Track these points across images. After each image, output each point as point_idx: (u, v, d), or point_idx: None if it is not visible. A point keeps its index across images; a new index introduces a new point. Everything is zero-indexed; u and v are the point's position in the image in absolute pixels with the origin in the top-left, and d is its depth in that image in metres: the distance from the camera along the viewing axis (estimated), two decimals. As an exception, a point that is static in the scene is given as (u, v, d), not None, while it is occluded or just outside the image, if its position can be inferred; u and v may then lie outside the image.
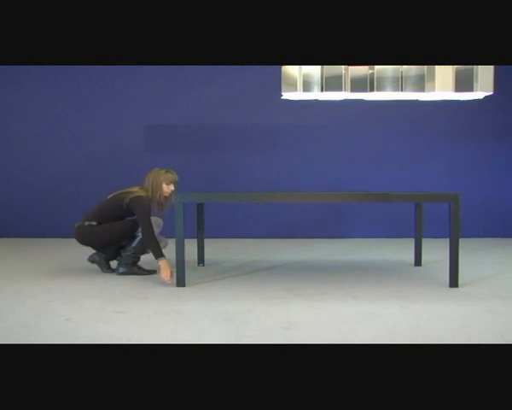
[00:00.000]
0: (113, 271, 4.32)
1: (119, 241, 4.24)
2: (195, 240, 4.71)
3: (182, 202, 3.82)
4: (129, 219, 4.26)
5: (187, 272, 4.02)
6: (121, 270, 4.24)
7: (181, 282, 3.84)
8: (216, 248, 5.59)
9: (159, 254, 3.97)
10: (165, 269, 3.88)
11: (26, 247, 5.88)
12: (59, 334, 2.75)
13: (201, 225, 4.72)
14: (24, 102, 6.61)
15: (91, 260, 4.37)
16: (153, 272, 4.30)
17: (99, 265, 4.35)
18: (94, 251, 4.38)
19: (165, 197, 4.25)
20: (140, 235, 4.19)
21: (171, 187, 4.25)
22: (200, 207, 4.70)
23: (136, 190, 4.20)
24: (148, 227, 4.04)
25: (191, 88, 6.56)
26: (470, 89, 4.64)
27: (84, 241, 4.26)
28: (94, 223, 4.20)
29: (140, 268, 4.28)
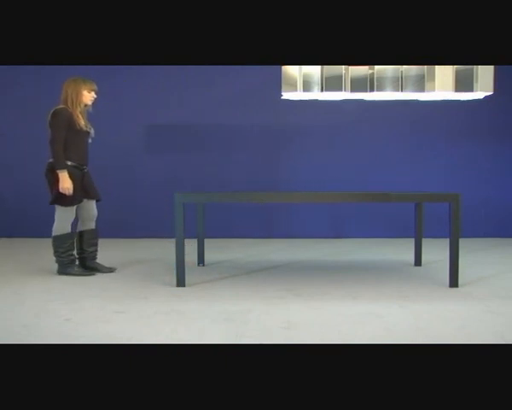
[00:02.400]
0: (91, 270, 4.27)
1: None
2: (195, 240, 4.71)
3: (182, 202, 3.82)
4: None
5: (187, 272, 4.02)
6: (59, 271, 4.21)
7: (181, 282, 3.84)
8: (216, 248, 5.59)
9: (61, 166, 4.00)
10: (65, 181, 3.98)
11: (25, 247, 5.88)
12: (59, 334, 2.75)
13: (201, 225, 4.72)
14: (24, 102, 6.60)
15: (65, 273, 4.24)
16: (92, 273, 4.23)
17: (77, 274, 4.23)
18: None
19: (86, 106, 4.22)
20: (53, 233, 4.18)
21: (93, 94, 4.22)
22: (200, 207, 4.70)
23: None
24: (58, 139, 4.01)
25: (191, 88, 6.55)
26: (470, 89, 4.64)
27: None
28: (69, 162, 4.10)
29: (79, 268, 4.23)
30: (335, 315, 3.08)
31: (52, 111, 4.10)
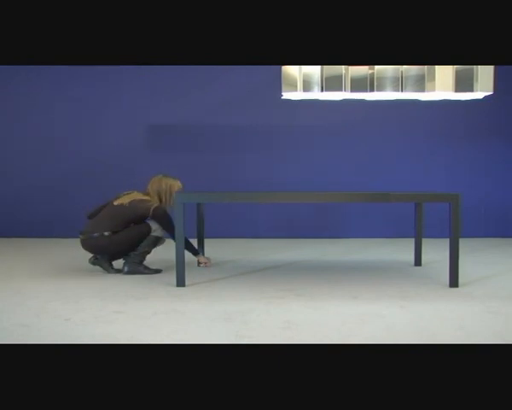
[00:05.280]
0: (117, 271, 4.30)
1: (136, 246, 4.25)
2: (195, 240, 4.70)
3: (182, 202, 3.81)
4: (143, 223, 4.28)
5: (187, 272, 4.02)
6: (126, 269, 4.23)
7: (181, 282, 3.84)
8: (216, 248, 5.59)
9: (196, 252, 4.51)
10: (203, 260, 4.59)
11: (25, 247, 5.87)
12: (59, 334, 2.75)
13: (201, 225, 4.71)
14: (24, 102, 6.60)
15: (93, 262, 4.34)
16: (158, 271, 4.32)
17: (103, 267, 4.32)
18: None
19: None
20: (156, 233, 4.26)
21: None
22: (200, 207, 4.70)
23: (147, 199, 4.27)
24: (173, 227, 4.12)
25: (192, 88, 6.55)
26: (470, 89, 4.64)
27: (99, 251, 4.25)
28: (107, 233, 4.16)
29: (146, 268, 4.28)
30: (335, 315, 3.08)
31: (154, 208, 4.22)
